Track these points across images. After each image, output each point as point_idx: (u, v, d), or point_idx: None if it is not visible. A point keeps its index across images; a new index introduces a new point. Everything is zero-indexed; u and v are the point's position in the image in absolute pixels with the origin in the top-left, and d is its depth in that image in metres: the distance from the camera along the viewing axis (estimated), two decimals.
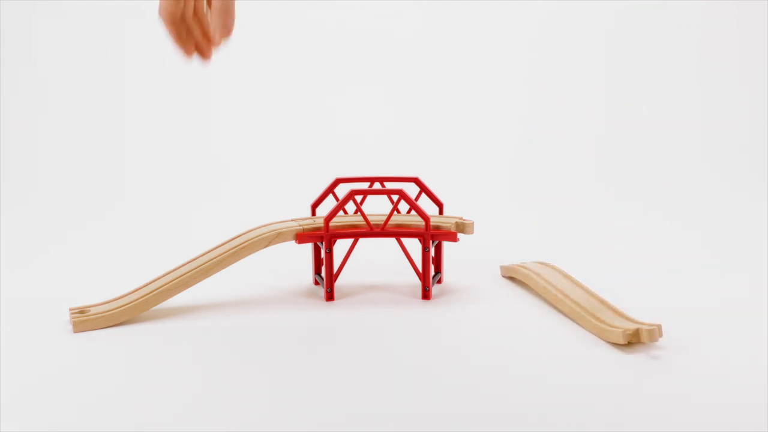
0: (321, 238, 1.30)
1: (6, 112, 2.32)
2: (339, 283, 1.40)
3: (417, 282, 1.41)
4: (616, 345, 1.07)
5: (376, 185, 1.45)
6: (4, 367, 1.01)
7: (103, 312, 1.16)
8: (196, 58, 1.08)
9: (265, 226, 1.37)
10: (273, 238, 1.30)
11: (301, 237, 1.30)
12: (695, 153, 2.34)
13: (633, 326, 1.07)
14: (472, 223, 1.33)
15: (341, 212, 1.40)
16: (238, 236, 1.33)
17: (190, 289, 1.25)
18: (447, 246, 1.49)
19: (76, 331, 1.13)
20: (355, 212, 1.42)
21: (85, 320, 1.14)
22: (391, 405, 0.90)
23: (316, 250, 1.41)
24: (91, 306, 1.20)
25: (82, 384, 0.96)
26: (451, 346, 1.11)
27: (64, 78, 2.36)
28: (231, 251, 1.27)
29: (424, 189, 1.42)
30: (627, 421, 0.85)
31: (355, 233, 1.31)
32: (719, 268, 1.53)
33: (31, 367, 1.02)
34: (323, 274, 1.36)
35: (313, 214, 1.45)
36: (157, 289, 1.21)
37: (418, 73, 2.43)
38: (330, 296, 1.31)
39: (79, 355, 1.06)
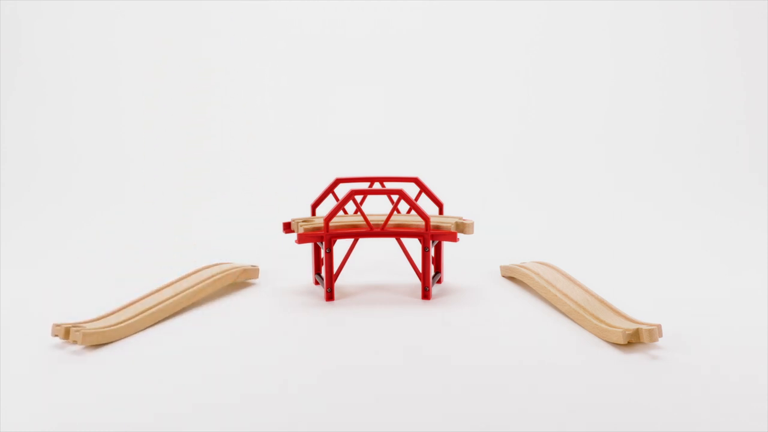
0: (321, 238, 1.30)
1: (5, 113, 2.32)
2: (339, 283, 1.40)
3: (417, 282, 1.41)
4: (616, 345, 1.07)
5: (376, 185, 1.45)
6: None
7: (99, 329, 1.11)
8: None
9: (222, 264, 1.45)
10: (239, 273, 1.40)
11: (301, 237, 1.30)
12: (695, 154, 2.34)
13: (633, 326, 1.07)
14: (472, 223, 1.33)
15: (341, 212, 1.40)
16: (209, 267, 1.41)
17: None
18: (447, 246, 1.49)
19: (82, 343, 1.08)
20: (355, 212, 1.42)
21: (87, 333, 1.08)
22: (391, 404, 0.90)
23: (316, 250, 1.41)
24: (79, 323, 1.13)
25: (84, 386, 0.97)
26: (451, 345, 1.11)
27: (64, 80, 2.36)
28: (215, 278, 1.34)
29: (424, 189, 1.42)
30: (627, 420, 0.85)
31: (355, 233, 1.31)
32: (719, 268, 1.53)
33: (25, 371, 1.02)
34: (323, 274, 1.36)
35: (313, 214, 1.45)
36: (148, 309, 1.20)
37: (418, 73, 2.43)
38: (330, 296, 1.31)
39: (74, 359, 1.06)
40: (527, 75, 2.42)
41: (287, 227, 1.41)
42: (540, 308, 1.27)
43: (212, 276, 1.35)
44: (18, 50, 2.33)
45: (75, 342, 1.08)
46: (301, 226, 1.35)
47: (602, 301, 1.20)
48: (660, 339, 1.05)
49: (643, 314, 1.16)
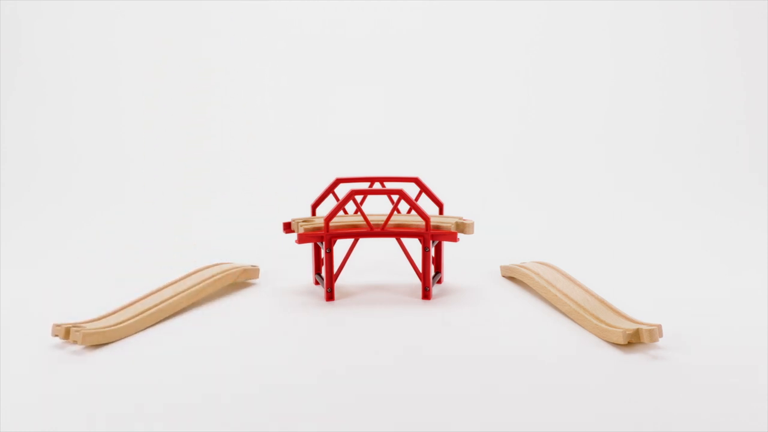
0: (321, 238, 1.30)
1: (5, 113, 2.32)
2: (339, 283, 1.40)
3: (417, 282, 1.41)
4: (616, 345, 1.07)
5: (376, 185, 1.45)
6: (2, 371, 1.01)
7: (99, 329, 1.11)
8: None
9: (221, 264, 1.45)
10: (239, 273, 1.40)
11: (301, 237, 1.30)
12: (695, 154, 2.34)
13: (633, 326, 1.07)
14: (472, 223, 1.33)
15: (341, 212, 1.40)
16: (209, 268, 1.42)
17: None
18: (447, 246, 1.49)
19: (82, 344, 1.08)
20: (355, 212, 1.42)
21: (88, 333, 1.08)
22: (391, 404, 0.90)
23: (316, 250, 1.41)
24: (79, 323, 1.13)
25: (87, 383, 0.97)
26: (452, 346, 1.11)
27: (64, 80, 2.36)
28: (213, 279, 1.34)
29: (424, 189, 1.42)
30: (627, 420, 0.85)
31: (355, 233, 1.31)
32: (719, 268, 1.53)
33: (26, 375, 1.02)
34: (323, 274, 1.36)
35: (313, 214, 1.45)
36: (148, 309, 1.20)
37: (417, 73, 2.43)
38: (330, 296, 1.31)
39: (73, 358, 1.06)
40: (527, 75, 2.42)
41: (287, 227, 1.41)
42: (540, 308, 1.27)
43: (212, 276, 1.35)
44: (18, 50, 2.33)
45: (75, 342, 1.08)
46: (301, 226, 1.35)
47: (602, 301, 1.20)
48: (660, 339, 1.05)
49: (643, 314, 1.16)
